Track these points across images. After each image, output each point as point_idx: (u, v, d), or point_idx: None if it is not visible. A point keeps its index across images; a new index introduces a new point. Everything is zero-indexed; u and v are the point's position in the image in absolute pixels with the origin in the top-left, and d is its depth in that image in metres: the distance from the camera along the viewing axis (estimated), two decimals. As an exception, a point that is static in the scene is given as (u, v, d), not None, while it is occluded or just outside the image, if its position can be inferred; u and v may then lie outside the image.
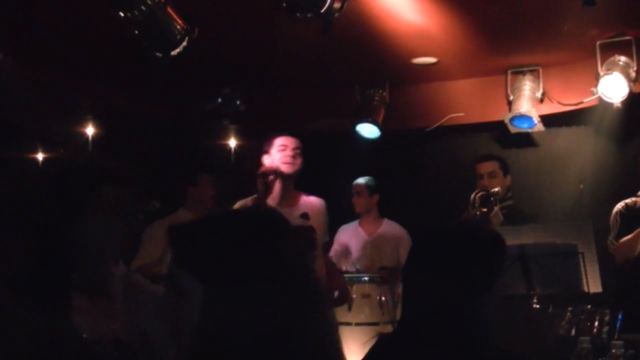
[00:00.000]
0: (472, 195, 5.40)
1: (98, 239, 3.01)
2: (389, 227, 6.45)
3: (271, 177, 4.69)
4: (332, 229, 6.03)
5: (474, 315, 2.20)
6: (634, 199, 5.24)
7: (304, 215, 4.66)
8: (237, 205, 4.67)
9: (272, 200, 4.77)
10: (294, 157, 4.80)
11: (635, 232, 5.05)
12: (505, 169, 5.71)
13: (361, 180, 6.50)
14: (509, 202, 5.61)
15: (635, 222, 5.11)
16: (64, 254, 2.11)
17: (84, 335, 2.52)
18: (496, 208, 5.34)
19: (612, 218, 5.23)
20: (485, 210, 5.35)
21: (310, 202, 4.93)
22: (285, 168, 4.78)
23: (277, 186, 4.77)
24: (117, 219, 3.17)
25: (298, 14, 4.09)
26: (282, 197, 4.81)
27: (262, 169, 4.75)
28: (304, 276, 1.68)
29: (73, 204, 2.84)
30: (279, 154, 4.80)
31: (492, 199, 5.34)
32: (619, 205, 5.24)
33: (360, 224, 6.54)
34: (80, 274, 2.60)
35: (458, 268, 2.23)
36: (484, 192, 5.37)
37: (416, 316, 2.24)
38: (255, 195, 4.73)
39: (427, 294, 2.23)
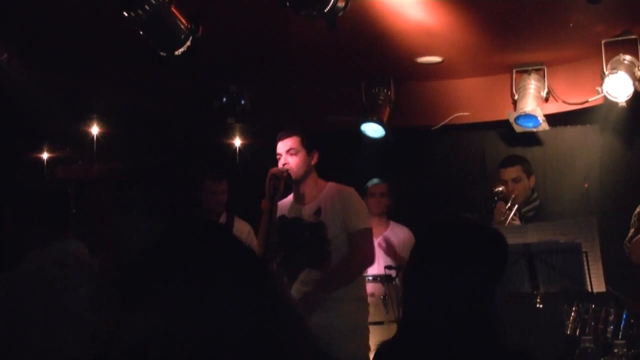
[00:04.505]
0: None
1: None
2: (395, 229, 6.33)
3: (279, 179, 4.69)
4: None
5: (480, 312, 2.19)
6: None
7: (317, 212, 4.68)
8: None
9: (288, 199, 4.89)
10: (288, 160, 4.76)
11: None
12: (529, 170, 5.54)
13: (380, 181, 6.35)
14: (536, 203, 5.46)
15: None
16: None
17: None
18: (511, 214, 5.23)
19: (632, 219, 5.17)
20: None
21: (331, 192, 4.85)
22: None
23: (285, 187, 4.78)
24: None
25: (302, 12, 4.10)
26: (296, 196, 4.88)
27: (270, 171, 4.72)
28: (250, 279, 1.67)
29: None
30: (279, 162, 4.80)
31: (509, 204, 5.29)
32: (639, 207, 5.19)
33: None
34: None
35: (461, 265, 2.22)
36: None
37: (421, 315, 2.23)
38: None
39: (430, 292, 2.22)
